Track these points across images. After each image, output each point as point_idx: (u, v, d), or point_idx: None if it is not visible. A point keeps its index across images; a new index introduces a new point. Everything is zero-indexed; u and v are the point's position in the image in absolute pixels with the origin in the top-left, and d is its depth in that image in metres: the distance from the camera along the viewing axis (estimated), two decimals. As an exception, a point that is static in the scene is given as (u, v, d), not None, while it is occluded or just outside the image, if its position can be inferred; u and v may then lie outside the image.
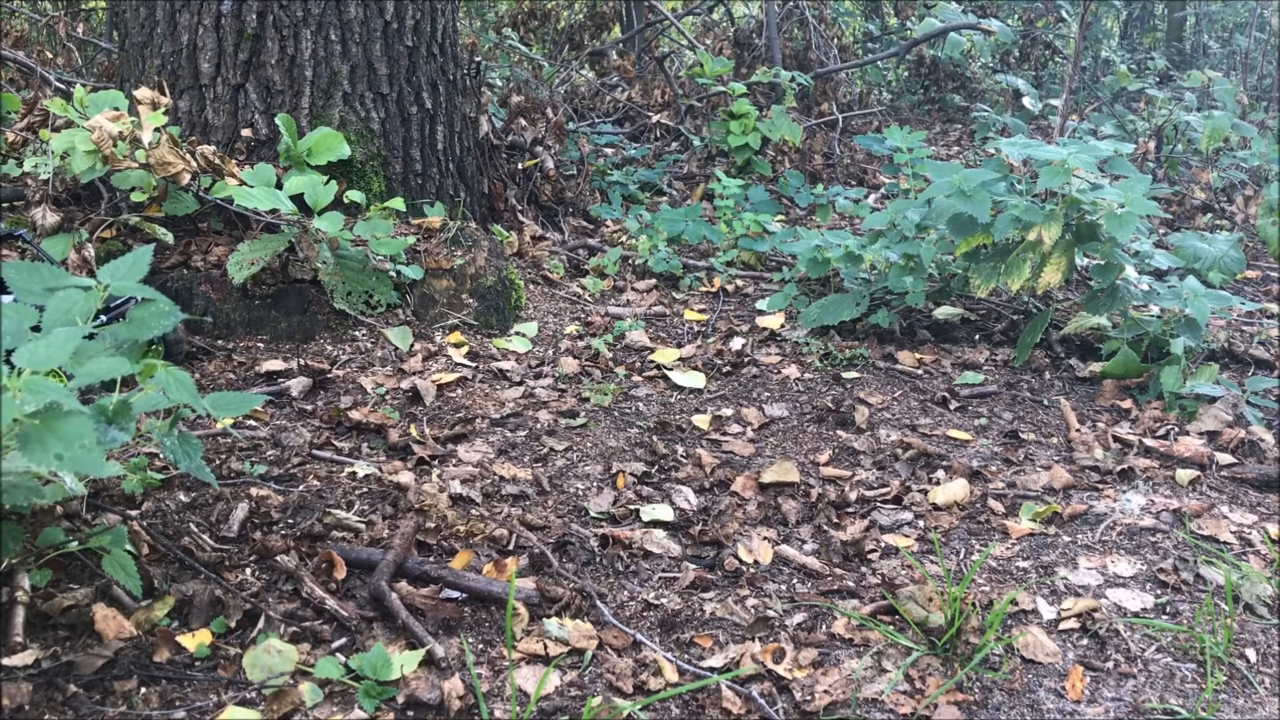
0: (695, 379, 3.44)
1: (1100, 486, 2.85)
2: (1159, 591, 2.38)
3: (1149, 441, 3.08)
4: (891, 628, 2.20)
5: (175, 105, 3.71)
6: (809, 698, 2.00)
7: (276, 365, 3.24)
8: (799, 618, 2.26)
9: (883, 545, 2.55)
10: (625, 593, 2.32)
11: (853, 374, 3.54)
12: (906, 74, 8.57)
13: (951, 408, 3.34)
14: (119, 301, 2.36)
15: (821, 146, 6.27)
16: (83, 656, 1.94)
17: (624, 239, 4.73)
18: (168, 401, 1.87)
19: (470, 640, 2.12)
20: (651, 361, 3.57)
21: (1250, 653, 2.18)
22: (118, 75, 4.17)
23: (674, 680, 2.04)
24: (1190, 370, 3.40)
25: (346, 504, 2.54)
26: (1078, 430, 3.18)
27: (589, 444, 2.98)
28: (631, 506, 2.65)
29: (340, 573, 2.25)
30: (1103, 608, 2.30)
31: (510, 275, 3.80)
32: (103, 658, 1.95)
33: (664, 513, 2.63)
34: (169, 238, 3.39)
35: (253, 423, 2.93)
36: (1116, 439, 3.12)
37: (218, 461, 2.70)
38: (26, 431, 1.58)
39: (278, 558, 2.24)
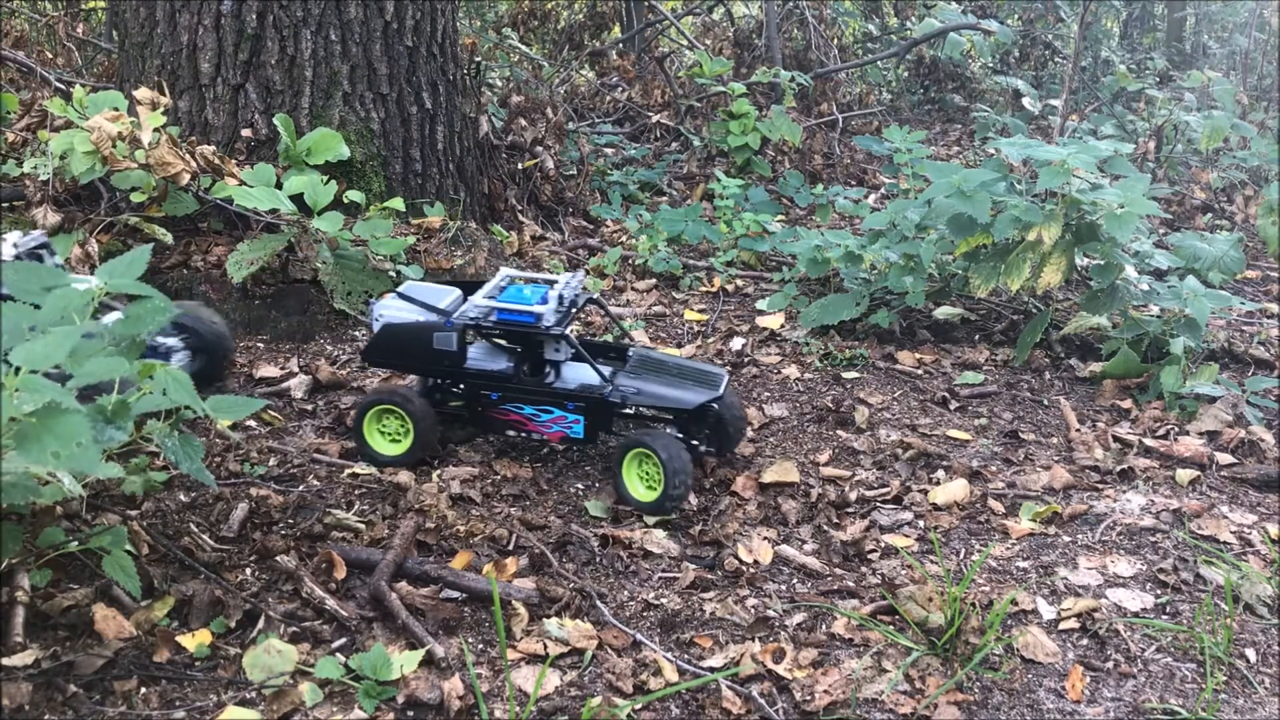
0: (695, 379, 3.44)
1: (1100, 486, 2.85)
2: (1159, 591, 2.38)
3: (1149, 441, 3.08)
4: (891, 628, 2.20)
5: (175, 105, 3.71)
6: (809, 698, 2.00)
7: (276, 366, 3.24)
8: (799, 618, 2.25)
9: (883, 545, 2.54)
10: (625, 593, 2.32)
11: (853, 374, 3.54)
12: (906, 74, 8.56)
13: (951, 408, 3.33)
14: None
15: (821, 146, 6.27)
16: (83, 656, 1.94)
17: (624, 239, 4.73)
18: (168, 402, 1.86)
19: (470, 640, 2.12)
20: (651, 361, 3.57)
21: (1250, 653, 2.18)
22: (118, 75, 4.17)
23: (674, 680, 2.04)
24: (1190, 370, 3.40)
25: (346, 504, 2.54)
26: (1078, 430, 3.17)
27: (589, 444, 2.97)
28: (631, 506, 2.65)
29: (340, 573, 2.25)
30: (1103, 608, 2.30)
31: (510, 275, 3.80)
32: (103, 658, 1.94)
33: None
34: (169, 238, 3.38)
35: (253, 423, 2.92)
36: (1116, 439, 3.12)
37: (218, 461, 2.69)
38: (23, 430, 1.57)
39: (278, 558, 2.23)
